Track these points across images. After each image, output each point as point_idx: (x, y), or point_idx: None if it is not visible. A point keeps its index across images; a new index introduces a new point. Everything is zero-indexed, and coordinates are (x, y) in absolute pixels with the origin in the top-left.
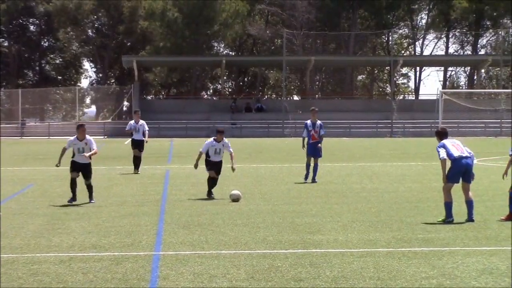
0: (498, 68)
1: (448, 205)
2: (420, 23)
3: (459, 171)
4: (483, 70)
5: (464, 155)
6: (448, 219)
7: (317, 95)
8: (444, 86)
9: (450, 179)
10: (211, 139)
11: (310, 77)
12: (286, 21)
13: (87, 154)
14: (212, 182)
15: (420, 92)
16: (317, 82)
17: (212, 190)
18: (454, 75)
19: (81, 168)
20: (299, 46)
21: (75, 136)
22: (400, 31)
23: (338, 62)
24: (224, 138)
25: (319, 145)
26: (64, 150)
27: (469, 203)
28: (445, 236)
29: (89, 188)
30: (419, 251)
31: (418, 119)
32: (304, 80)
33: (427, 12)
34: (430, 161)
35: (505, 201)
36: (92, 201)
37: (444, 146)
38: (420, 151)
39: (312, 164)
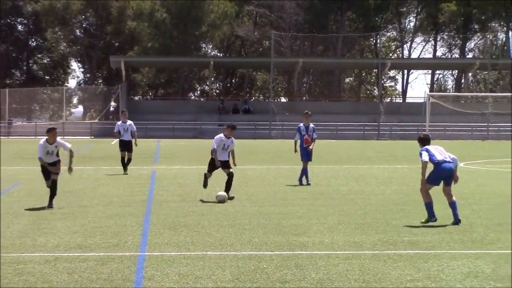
0: (486, 72)
1: (429, 206)
2: (408, 26)
3: (441, 175)
4: (470, 74)
5: (447, 159)
6: (431, 219)
7: (304, 97)
8: (431, 89)
9: (431, 181)
10: (221, 134)
11: (297, 79)
12: (274, 22)
13: (71, 171)
14: (227, 182)
15: (408, 95)
16: (305, 84)
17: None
18: (442, 79)
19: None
20: (287, 48)
21: (45, 139)
22: (388, 33)
23: (325, 64)
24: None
25: (311, 147)
26: (41, 159)
27: (453, 205)
28: (430, 239)
29: (53, 186)
30: (405, 254)
31: (405, 122)
32: (291, 82)
33: (415, 15)
34: (416, 164)
35: (491, 204)
36: (51, 206)
37: (427, 150)
38: (407, 153)
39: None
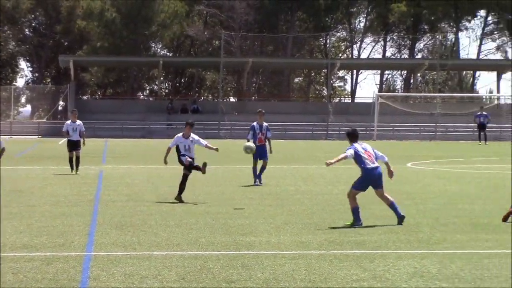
0: (435, 72)
1: (356, 210)
2: (358, 26)
3: (369, 181)
4: (419, 74)
5: (375, 165)
6: (357, 223)
7: (253, 97)
8: (380, 90)
9: (358, 187)
10: (180, 134)
11: (247, 79)
12: (224, 22)
13: None
14: (182, 182)
15: (357, 95)
16: (254, 84)
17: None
18: (391, 79)
19: None
20: (236, 47)
21: None
22: (338, 34)
23: (275, 64)
24: (191, 133)
25: (266, 147)
26: None
27: (392, 205)
28: (377, 239)
29: None
30: (351, 254)
31: (354, 122)
32: (241, 81)
33: (365, 15)
34: None
35: (437, 204)
36: None
37: (356, 152)
38: None
39: (259, 166)
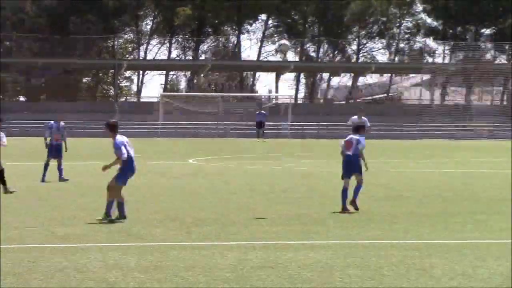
0: (217, 73)
1: (110, 205)
2: (145, 29)
3: (130, 173)
4: (202, 75)
5: (133, 157)
6: (109, 217)
7: (42, 97)
8: (165, 89)
9: (123, 181)
10: None
11: (37, 79)
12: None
13: None
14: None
15: (142, 95)
16: (43, 84)
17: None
18: (175, 79)
19: None
20: (27, 48)
21: None
22: (126, 36)
23: (65, 64)
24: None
25: (62, 146)
26: None
27: (123, 205)
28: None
29: None
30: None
31: (140, 120)
32: (31, 81)
33: (152, 18)
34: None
35: (212, 198)
36: None
37: (125, 147)
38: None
39: (55, 164)
